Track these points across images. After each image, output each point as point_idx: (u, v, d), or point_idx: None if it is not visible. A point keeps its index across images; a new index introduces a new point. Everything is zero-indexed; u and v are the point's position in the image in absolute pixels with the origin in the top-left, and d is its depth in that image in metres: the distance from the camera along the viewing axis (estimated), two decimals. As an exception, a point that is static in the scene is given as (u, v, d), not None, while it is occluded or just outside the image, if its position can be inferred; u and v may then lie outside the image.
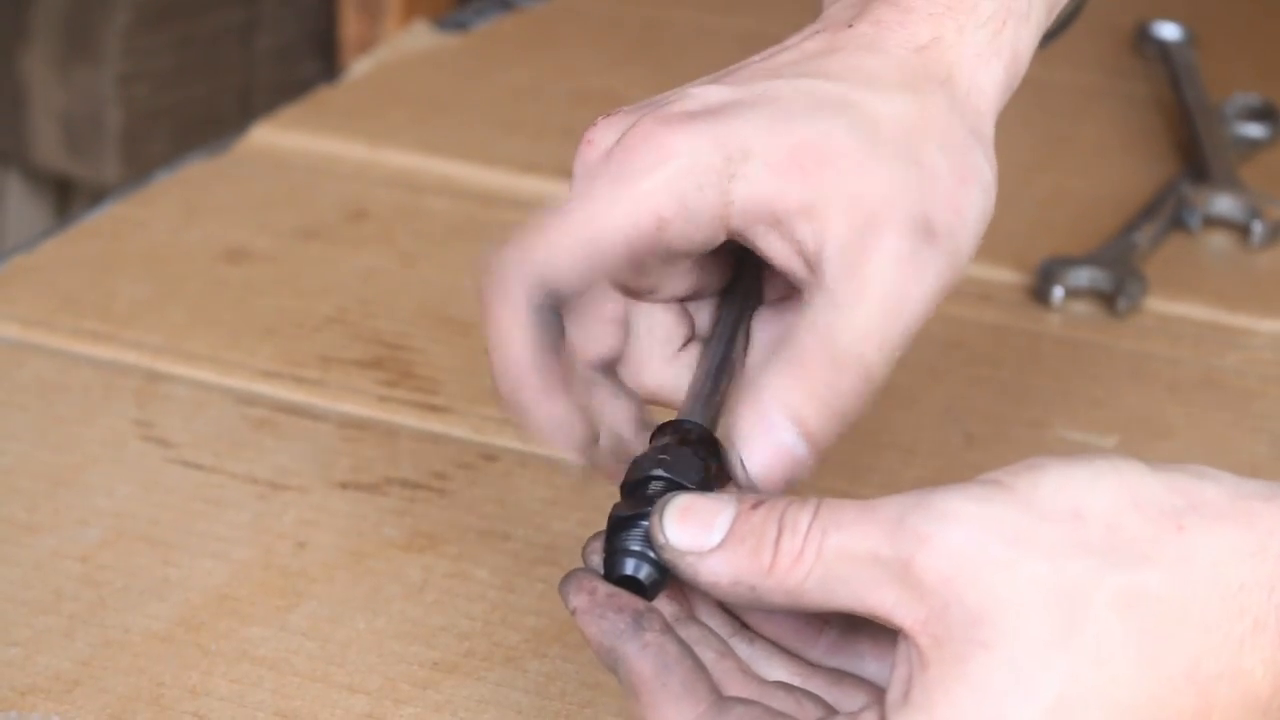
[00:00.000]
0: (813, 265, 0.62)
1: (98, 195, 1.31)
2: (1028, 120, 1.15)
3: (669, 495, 0.59)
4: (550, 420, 0.64)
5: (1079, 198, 1.06)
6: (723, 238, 0.64)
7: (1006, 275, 1.00)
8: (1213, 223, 1.05)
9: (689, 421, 0.64)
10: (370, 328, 0.94)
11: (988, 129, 0.67)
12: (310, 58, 1.85)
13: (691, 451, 0.63)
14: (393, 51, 1.23)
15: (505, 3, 1.33)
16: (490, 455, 0.85)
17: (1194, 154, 1.10)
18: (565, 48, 1.25)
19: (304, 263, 0.99)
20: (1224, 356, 0.95)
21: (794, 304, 0.64)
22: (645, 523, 0.61)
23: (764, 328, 0.68)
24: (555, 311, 0.64)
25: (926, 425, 0.88)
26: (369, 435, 0.86)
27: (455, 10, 1.34)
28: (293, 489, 0.82)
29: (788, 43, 0.69)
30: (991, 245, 0.97)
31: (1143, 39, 1.25)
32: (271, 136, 1.11)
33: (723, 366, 0.66)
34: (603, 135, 0.65)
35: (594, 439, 0.65)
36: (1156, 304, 0.98)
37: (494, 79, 1.20)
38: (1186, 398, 0.91)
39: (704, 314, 0.69)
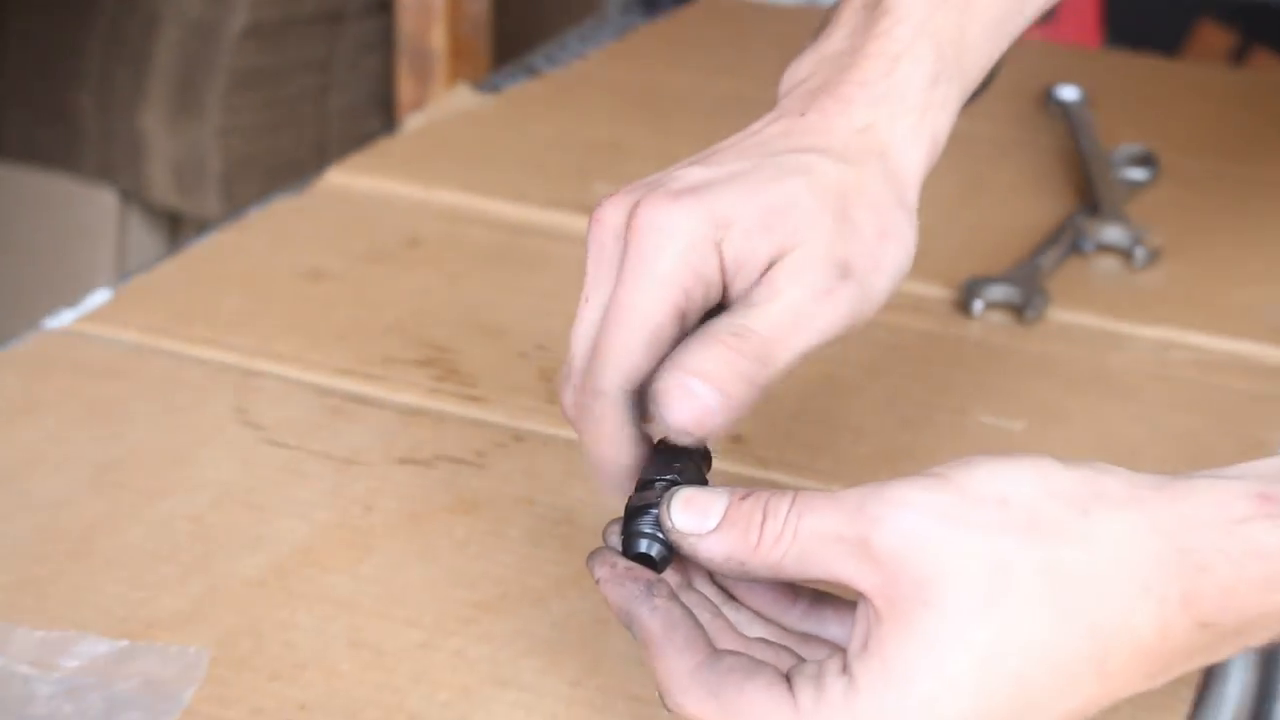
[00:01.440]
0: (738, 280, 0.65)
1: (202, 227, 1.32)
2: (955, 165, 1.15)
3: (674, 489, 0.61)
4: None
5: (996, 228, 1.07)
6: (721, 287, 0.65)
7: (936, 291, 1.01)
8: (1103, 248, 1.07)
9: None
10: (423, 334, 0.95)
11: (912, 198, 0.70)
12: (373, 115, 1.85)
13: (689, 457, 0.64)
14: (439, 109, 1.24)
15: (530, 69, 1.34)
16: (520, 437, 0.87)
17: (1088, 193, 1.12)
18: (579, 106, 1.26)
19: (369, 281, 1.00)
20: (1111, 357, 0.96)
21: None
22: (655, 511, 0.62)
23: None
24: (639, 395, 0.64)
25: (871, 411, 0.90)
26: (422, 420, 0.88)
27: (490, 76, 1.35)
28: (361, 464, 0.84)
29: (750, 129, 0.70)
30: (924, 266, 0.99)
31: (1048, 99, 1.26)
32: (342, 179, 1.12)
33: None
34: (610, 215, 0.66)
35: None
36: (1057, 314, 1.00)
37: (521, 131, 1.21)
38: (1081, 391, 0.93)
39: None
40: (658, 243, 0.63)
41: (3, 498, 0.80)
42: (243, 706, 0.67)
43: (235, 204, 1.52)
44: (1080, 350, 0.97)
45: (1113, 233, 1.07)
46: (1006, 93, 1.14)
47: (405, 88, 1.76)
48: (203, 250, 1.03)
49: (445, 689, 0.69)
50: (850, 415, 0.89)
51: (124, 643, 0.64)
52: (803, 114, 0.70)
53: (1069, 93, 1.24)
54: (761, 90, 1.29)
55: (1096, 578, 0.55)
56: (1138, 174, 1.17)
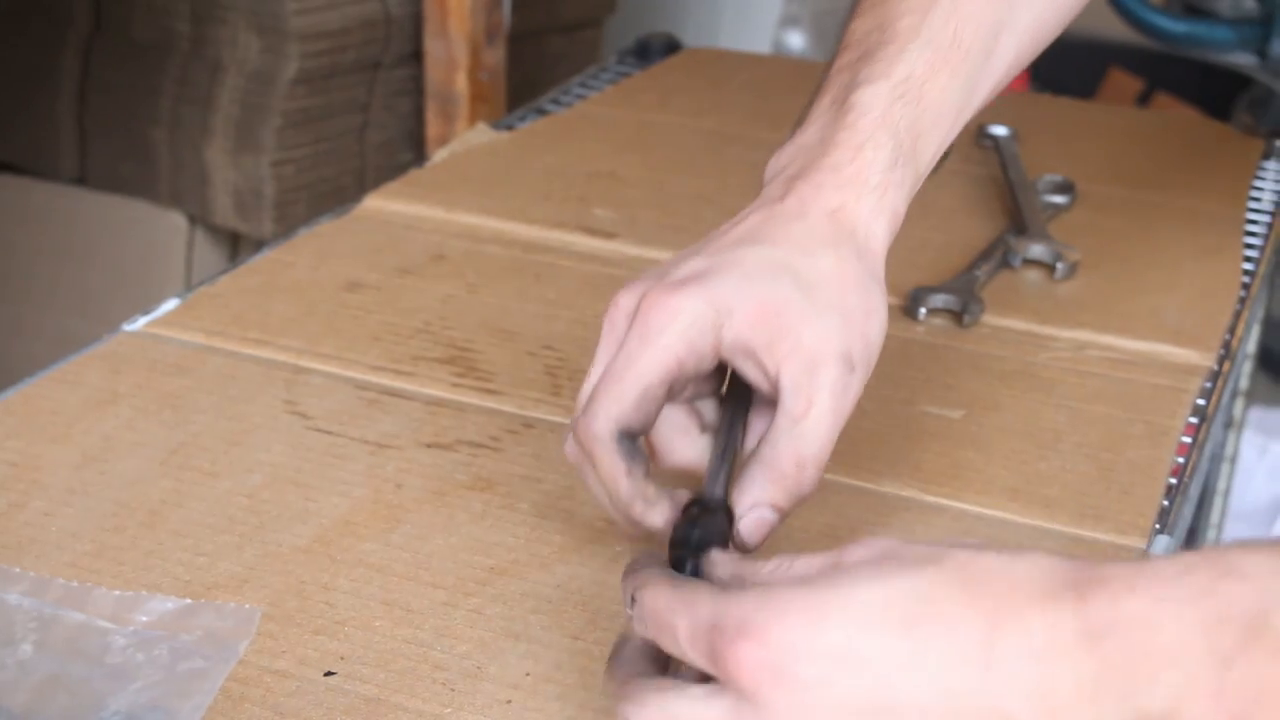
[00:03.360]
0: (774, 386, 0.66)
1: (258, 245, 1.32)
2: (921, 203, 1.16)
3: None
4: (644, 513, 0.66)
5: (937, 245, 1.07)
6: (715, 364, 0.67)
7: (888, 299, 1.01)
8: (1029, 263, 1.06)
9: (711, 497, 0.66)
10: (446, 336, 0.95)
11: (881, 269, 0.71)
12: (405, 149, 1.85)
13: (712, 517, 0.65)
14: (462, 144, 1.24)
15: (539, 110, 1.34)
16: (529, 424, 0.86)
17: (1016, 215, 1.12)
18: (581, 141, 1.26)
19: (400, 291, 1.00)
20: (1037, 355, 0.96)
21: (772, 406, 0.67)
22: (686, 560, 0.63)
23: (756, 419, 0.70)
24: (632, 439, 0.66)
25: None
26: (445, 410, 0.87)
27: (505, 116, 1.35)
28: (393, 447, 0.84)
29: (738, 218, 0.71)
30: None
31: (981, 135, 1.26)
32: (378, 203, 1.12)
33: (727, 451, 0.69)
34: (625, 300, 0.67)
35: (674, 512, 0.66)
36: (990, 319, 1.00)
37: (531, 163, 1.21)
38: (1011, 384, 0.93)
39: (707, 409, 0.71)
40: (662, 320, 0.65)
41: (86, 476, 0.80)
42: (290, 657, 0.67)
43: (286, 225, 1.52)
44: (1010, 350, 0.96)
45: (1037, 249, 1.06)
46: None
47: (433, 126, 1.77)
48: (258, 265, 1.03)
49: (464, 642, 0.69)
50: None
51: (188, 601, 0.63)
52: (782, 200, 0.70)
53: (999, 130, 1.24)
54: (735, 127, 1.30)
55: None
56: (1058, 199, 1.17)
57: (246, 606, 0.65)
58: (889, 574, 0.52)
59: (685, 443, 0.70)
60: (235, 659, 0.59)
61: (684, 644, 0.54)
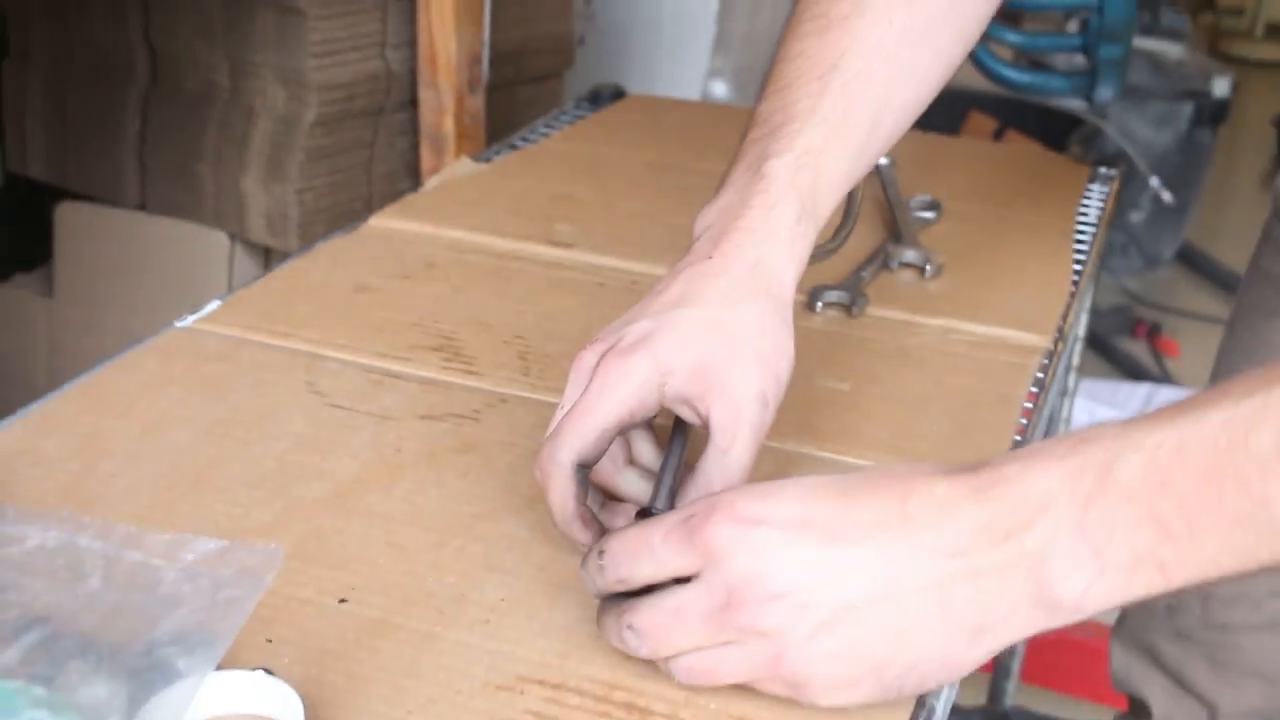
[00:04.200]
0: (705, 424, 0.68)
1: (284, 257, 1.30)
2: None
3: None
4: (581, 532, 0.68)
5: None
6: (658, 411, 0.69)
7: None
8: (904, 265, 1.07)
9: (655, 508, 0.68)
10: (436, 328, 0.94)
11: (790, 313, 0.72)
12: (404, 179, 1.85)
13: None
14: (450, 174, 1.24)
15: (512, 145, 1.34)
16: (504, 399, 0.87)
17: (894, 228, 1.12)
18: (544, 170, 1.26)
19: (399, 292, 1.00)
20: (909, 339, 0.97)
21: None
22: None
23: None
24: (584, 470, 0.68)
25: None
26: (436, 389, 0.87)
27: (484, 151, 1.34)
28: (393, 419, 0.84)
29: (674, 275, 0.72)
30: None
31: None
32: (381, 222, 1.12)
33: (667, 470, 0.70)
34: (588, 357, 0.69)
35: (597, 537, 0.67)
36: (873, 310, 1.00)
37: (505, 188, 1.21)
38: (889, 362, 0.93)
39: (637, 440, 0.73)
40: (617, 377, 0.67)
41: (144, 444, 0.79)
42: (310, 588, 0.67)
43: (308, 240, 1.51)
44: (889, 335, 0.97)
45: (911, 254, 1.07)
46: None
47: (426, 160, 1.77)
48: (283, 272, 1.03)
49: (451, 574, 0.69)
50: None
51: (225, 543, 0.63)
52: (710, 257, 0.72)
53: (881, 160, 1.24)
54: (669, 158, 1.30)
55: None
56: (928, 215, 1.17)
57: (273, 546, 0.65)
58: (825, 475, 0.59)
59: (613, 469, 0.72)
60: (264, 589, 0.59)
61: (659, 548, 0.57)
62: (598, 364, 0.68)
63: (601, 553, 0.60)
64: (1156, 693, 1.16)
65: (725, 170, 0.77)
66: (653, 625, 0.58)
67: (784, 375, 0.70)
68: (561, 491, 0.67)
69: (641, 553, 0.58)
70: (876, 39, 0.77)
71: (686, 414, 0.69)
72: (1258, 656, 1.08)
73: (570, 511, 0.67)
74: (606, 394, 0.67)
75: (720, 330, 0.69)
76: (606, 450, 0.68)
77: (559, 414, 0.69)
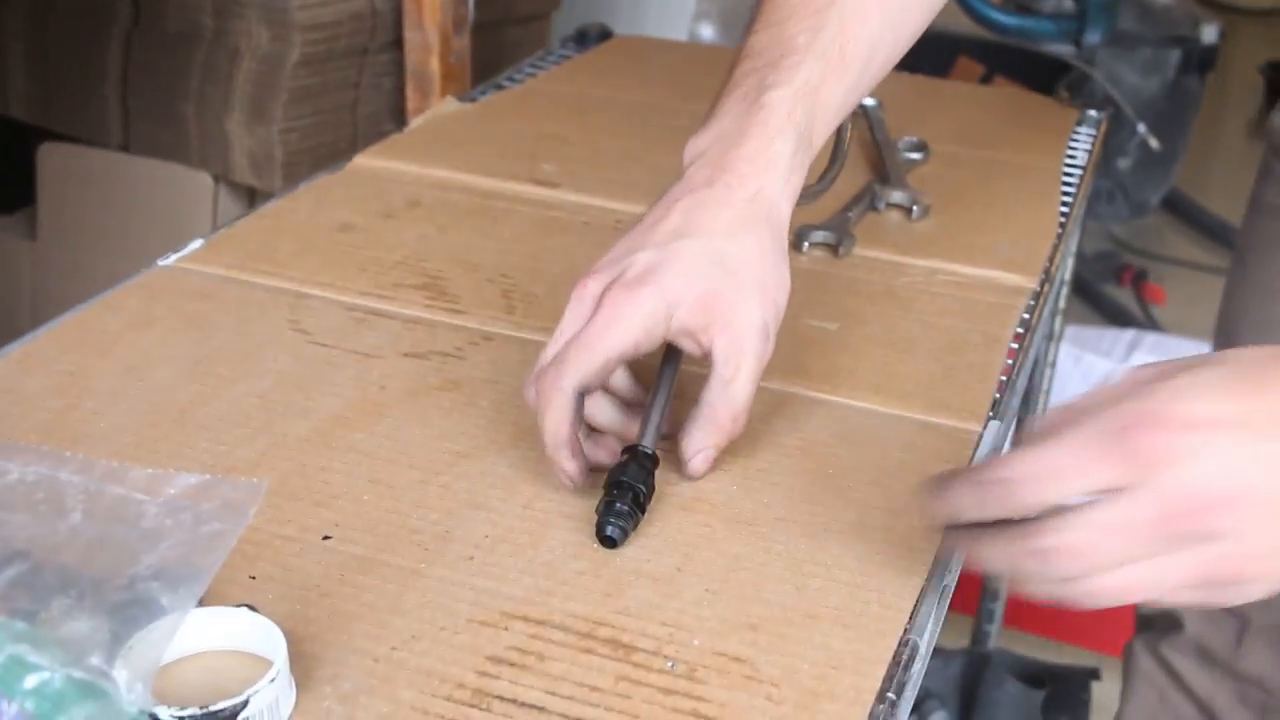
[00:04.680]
0: (708, 356, 0.70)
1: (268, 197, 1.30)
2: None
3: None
4: (568, 460, 0.68)
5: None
6: (661, 343, 0.70)
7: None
8: (891, 206, 1.07)
9: (642, 446, 0.69)
10: (421, 267, 0.94)
11: (786, 243, 0.73)
12: (389, 119, 1.84)
13: (639, 465, 0.68)
14: (434, 114, 1.23)
15: (497, 86, 1.33)
16: (488, 337, 0.86)
17: (881, 168, 1.12)
18: (531, 111, 1.26)
19: (383, 231, 0.99)
20: (896, 279, 0.97)
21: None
22: (618, 505, 0.66)
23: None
24: (581, 397, 0.68)
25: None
26: (420, 327, 0.87)
27: (469, 91, 1.33)
28: (377, 357, 0.83)
29: (672, 197, 0.73)
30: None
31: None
32: (365, 161, 1.11)
33: (663, 408, 0.72)
34: (593, 285, 0.70)
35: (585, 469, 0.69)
36: (860, 251, 1.00)
37: (490, 128, 1.20)
38: (876, 302, 0.93)
39: (617, 372, 0.73)
40: (627, 310, 0.68)
41: (127, 383, 0.79)
42: (294, 525, 0.67)
43: (291, 181, 1.50)
44: (876, 275, 0.97)
45: (898, 195, 1.06)
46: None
47: (411, 100, 1.76)
48: (267, 212, 1.02)
49: (435, 511, 0.69)
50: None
51: (208, 477, 0.63)
52: (709, 186, 0.72)
53: (869, 101, 1.23)
54: (655, 100, 1.29)
55: None
56: (915, 156, 1.17)
57: (255, 480, 0.64)
58: (1208, 366, 0.56)
59: (599, 405, 0.73)
60: (246, 522, 0.59)
61: (1084, 464, 0.55)
62: (603, 294, 0.69)
63: (986, 482, 0.58)
64: (1189, 611, 1.18)
65: (715, 98, 0.77)
66: (1083, 543, 0.55)
67: (783, 304, 0.72)
68: (559, 416, 0.68)
69: (1063, 471, 0.55)
70: None
71: (689, 346, 0.70)
72: None
73: (564, 437, 0.68)
74: (615, 325, 0.68)
75: (723, 263, 0.70)
76: (606, 379, 0.70)
77: (557, 341, 0.70)
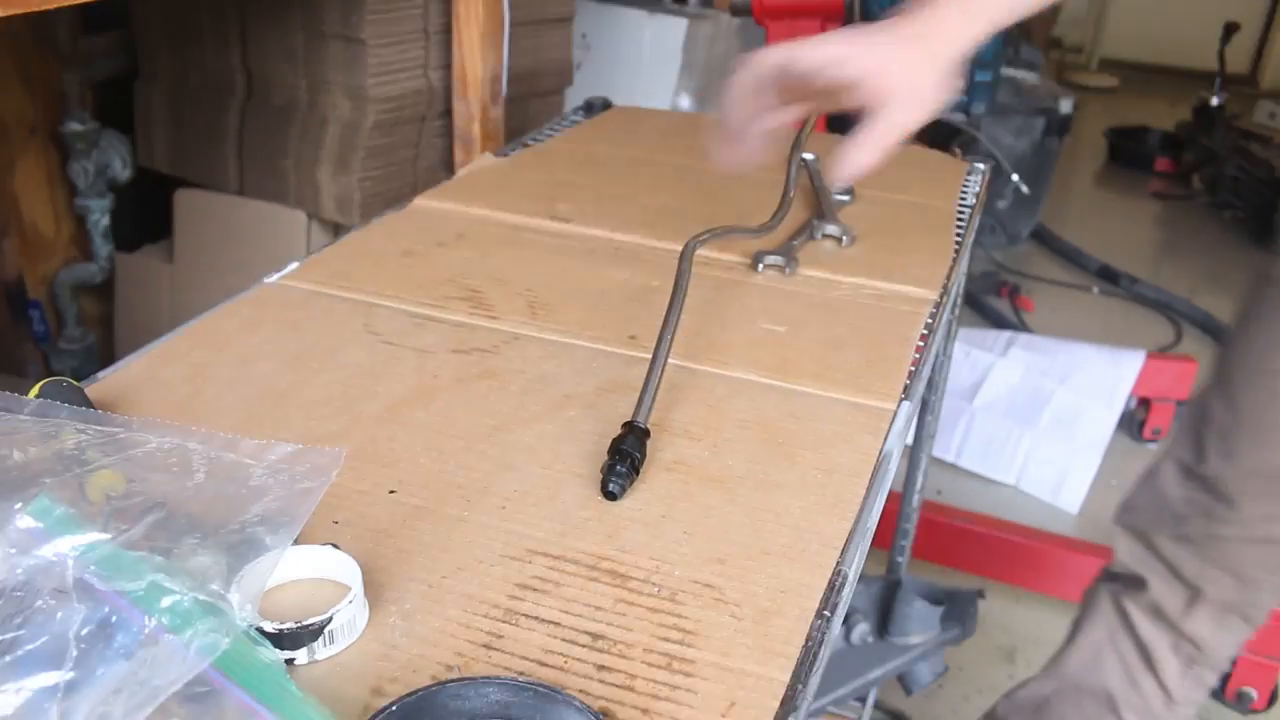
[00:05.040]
0: (865, 103, 0.74)
1: (349, 229, 1.29)
2: (753, 188, 1.14)
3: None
4: (739, 105, 0.75)
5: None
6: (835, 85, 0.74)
7: (739, 259, 1.00)
8: (827, 236, 1.05)
9: (638, 421, 0.68)
10: (465, 284, 0.93)
11: (944, 61, 0.75)
12: (442, 170, 1.83)
13: (635, 436, 0.67)
14: (476, 166, 1.22)
15: (524, 144, 1.31)
16: (517, 337, 0.85)
17: (819, 208, 1.10)
18: (550, 163, 1.24)
19: (437, 256, 0.98)
20: (831, 293, 0.95)
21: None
22: (620, 467, 0.65)
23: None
24: (771, 82, 0.74)
25: (707, 320, 0.88)
26: (464, 329, 0.86)
27: (503, 149, 1.32)
28: (431, 353, 0.82)
29: (899, 13, 0.76)
30: (738, 246, 0.97)
31: (801, 161, 1.24)
32: (423, 203, 1.10)
33: (653, 394, 0.71)
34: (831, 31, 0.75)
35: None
36: (803, 271, 0.99)
37: (518, 177, 1.19)
38: (816, 311, 0.92)
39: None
40: (827, 40, 0.74)
41: (240, 373, 0.78)
42: (367, 482, 0.66)
43: (367, 218, 1.50)
44: (815, 290, 0.95)
45: (832, 229, 1.05)
46: (779, 163, 1.12)
47: (458, 155, 1.75)
48: (348, 241, 1.01)
49: (475, 471, 0.68)
50: (696, 322, 0.87)
51: (301, 446, 0.62)
52: (912, 15, 0.76)
53: (809, 156, 1.22)
54: (646, 154, 1.28)
55: None
56: (845, 198, 1.16)
57: (336, 449, 0.63)
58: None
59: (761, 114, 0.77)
60: (329, 481, 0.58)
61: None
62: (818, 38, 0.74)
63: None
64: (1153, 577, 1.18)
65: None
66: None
67: (930, 104, 0.75)
68: (753, 76, 0.74)
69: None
70: None
71: (855, 96, 0.74)
72: (1239, 562, 1.12)
73: (748, 88, 0.74)
74: (816, 44, 0.73)
75: (905, 60, 0.74)
76: (794, 80, 0.74)
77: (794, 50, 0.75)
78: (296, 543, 0.56)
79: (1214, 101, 4.19)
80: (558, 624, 0.56)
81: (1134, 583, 1.22)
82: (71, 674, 0.46)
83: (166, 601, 0.49)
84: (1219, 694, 1.76)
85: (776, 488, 0.67)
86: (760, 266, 0.98)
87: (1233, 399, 1.10)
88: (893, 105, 0.73)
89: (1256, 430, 1.08)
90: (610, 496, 0.65)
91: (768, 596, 0.58)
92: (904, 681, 1.51)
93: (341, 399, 0.75)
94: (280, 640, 0.51)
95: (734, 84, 0.76)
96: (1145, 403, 2.44)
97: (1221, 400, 1.11)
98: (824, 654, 0.55)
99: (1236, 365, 1.11)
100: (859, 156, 0.74)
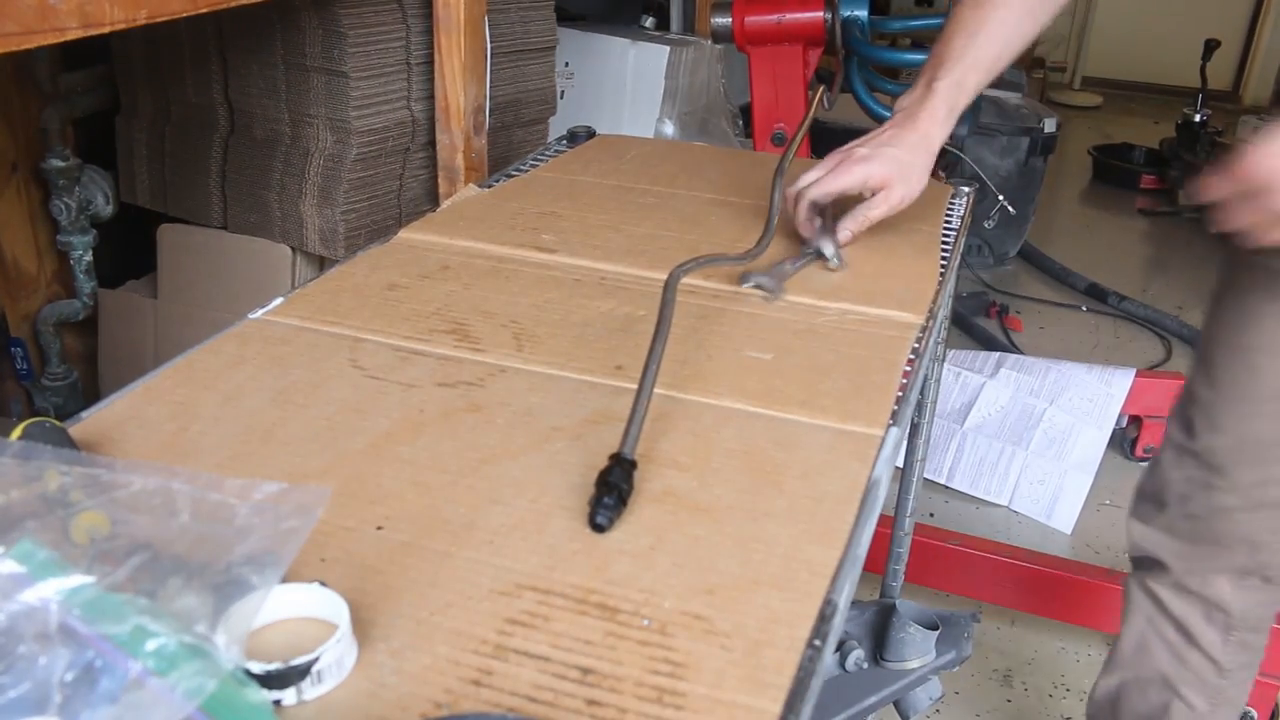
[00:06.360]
0: (874, 193, 1.06)
1: (334, 263, 1.29)
2: (739, 216, 1.15)
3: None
4: (806, 225, 1.06)
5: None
6: (861, 191, 1.06)
7: (726, 285, 1.00)
8: (820, 257, 1.05)
9: (624, 454, 0.69)
10: (450, 316, 0.93)
11: (933, 159, 1.06)
12: (426, 202, 1.83)
13: (621, 468, 0.68)
14: (460, 198, 1.22)
15: (508, 174, 1.32)
16: (503, 370, 0.85)
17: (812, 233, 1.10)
18: (533, 193, 1.24)
19: (421, 289, 0.98)
20: (817, 319, 0.96)
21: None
22: (607, 500, 0.65)
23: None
24: (814, 206, 1.06)
25: (692, 347, 0.89)
26: (450, 363, 0.86)
27: (486, 180, 1.32)
28: (417, 387, 0.82)
29: (886, 126, 1.06)
30: (724, 273, 0.97)
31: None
32: (408, 235, 1.10)
33: (639, 426, 0.71)
34: (833, 157, 1.07)
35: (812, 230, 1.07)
36: (791, 296, 0.99)
37: (502, 207, 1.19)
38: (802, 337, 0.92)
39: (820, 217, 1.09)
40: (852, 170, 1.04)
41: (225, 410, 0.78)
42: (353, 519, 0.66)
43: (351, 251, 1.49)
44: (801, 315, 0.96)
45: (827, 246, 1.05)
46: (763, 189, 1.12)
47: (442, 187, 1.75)
48: (332, 275, 1.01)
49: (463, 505, 0.68)
50: (682, 351, 0.87)
51: (286, 485, 0.62)
52: (902, 126, 1.05)
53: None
54: (630, 182, 1.29)
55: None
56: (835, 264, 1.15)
57: (323, 487, 0.63)
58: None
59: (810, 225, 1.07)
60: (315, 520, 0.58)
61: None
62: (838, 162, 1.04)
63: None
64: (1170, 556, 1.25)
65: (915, 78, 1.07)
66: None
67: (918, 192, 1.05)
68: (804, 214, 1.05)
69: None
70: (1002, 15, 1.04)
71: (870, 195, 1.05)
72: (1247, 529, 1.18)
73: (803, 220, 1.05)
74: (842, 174, 1.04)
75: (900, 164, 1.03)
76: (828, 202, 1.05)
77: (808, 178, 1.06)
78: (283, 581, 0.55)
79: (1197, 118, 4.22)
80: (547, 659, 0.56)
81: (1155, 566, 1.27)
82: (56, 720, 0.45)
83: (152, 645, 0.49)
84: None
85: (765, 517, 0.67)
86: (748, 289, 0.98)
87: (1213, 376, 1.17)
88: (892, 191, 1.04)
89: (1238, 403, 1.15)
90: (598, 529, 0.65)
91: (758, 627, 0.58)
92: (900, 708, 1.51)
93: (327, 434, 0.75)
94: (267, 681, 0.51)
95: (794, 213, 1.06)
96: (1136, 420, 2.45)
97: (1203, 379, 1.19)
98: (816, 684, 0.55)
99: (1213, 344, 1.18)
100: (858, 228, 1.06)
